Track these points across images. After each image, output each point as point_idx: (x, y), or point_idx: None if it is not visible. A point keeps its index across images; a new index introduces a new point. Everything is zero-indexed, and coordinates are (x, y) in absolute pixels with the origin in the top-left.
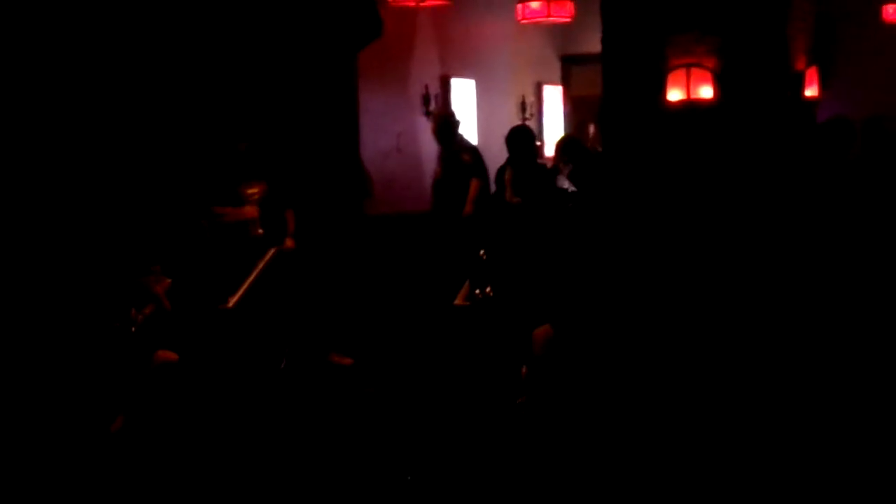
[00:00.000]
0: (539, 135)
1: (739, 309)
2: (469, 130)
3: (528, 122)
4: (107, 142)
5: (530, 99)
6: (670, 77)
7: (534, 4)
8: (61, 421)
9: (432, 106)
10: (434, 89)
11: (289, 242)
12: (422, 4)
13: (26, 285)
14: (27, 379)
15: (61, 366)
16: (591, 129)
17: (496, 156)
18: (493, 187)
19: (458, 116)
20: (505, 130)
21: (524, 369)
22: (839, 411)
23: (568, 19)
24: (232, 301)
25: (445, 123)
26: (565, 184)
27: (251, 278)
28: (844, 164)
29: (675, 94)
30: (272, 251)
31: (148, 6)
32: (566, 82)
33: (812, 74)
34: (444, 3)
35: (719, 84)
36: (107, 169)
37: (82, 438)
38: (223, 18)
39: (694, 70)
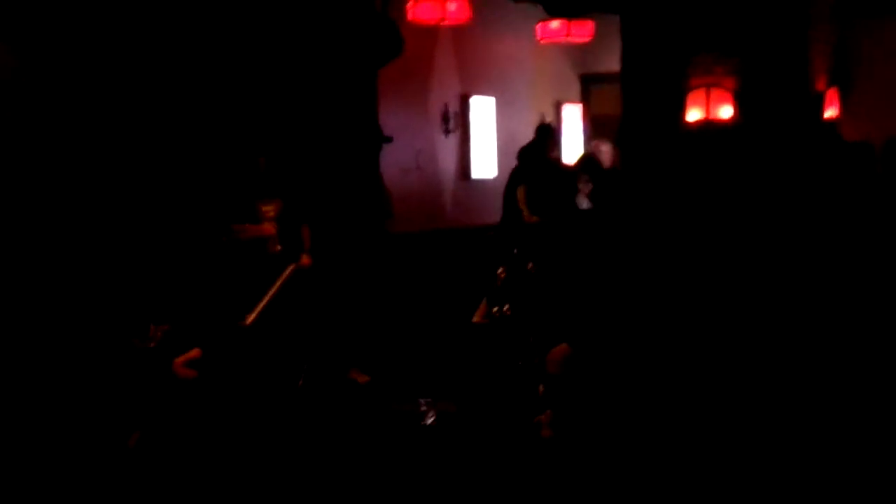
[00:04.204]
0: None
1: (759, 328)
2: (489, 148)
3: None
4: (127, 159)
5: (550, 117)
6: (690, 97)
7: (553, 24)
8: (78, 436)
9: (451, 124)
10: (454, 107)
11: (305, 259)
12: (442, 23)
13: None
14: (43, 395)
15: (79, 382)
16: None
17: None
18: None
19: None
20: None
21: (541, 388)
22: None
23: (587, 39)
24: (250, 318)
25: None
26: (583, 202)
27: (269, 295)
28: (867, 187)
29: (694, 114)
30: (290, 268)
31: (166, 24)
32: (585, 101)
33: (832, 95)
34: (465, 22)
35: (739, 104)
36: (126, 185)
37: (99, 454)
38: (243, 36)
39: (714, 90)
